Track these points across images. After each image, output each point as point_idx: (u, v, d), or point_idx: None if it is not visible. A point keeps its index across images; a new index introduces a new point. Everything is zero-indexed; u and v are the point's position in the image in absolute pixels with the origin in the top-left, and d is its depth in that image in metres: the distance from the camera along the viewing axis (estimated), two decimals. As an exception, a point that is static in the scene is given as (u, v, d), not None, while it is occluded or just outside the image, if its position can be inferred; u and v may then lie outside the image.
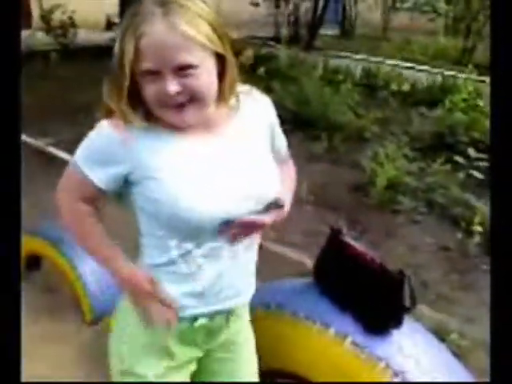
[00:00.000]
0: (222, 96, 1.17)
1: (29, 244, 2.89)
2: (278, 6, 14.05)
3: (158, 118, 1.14)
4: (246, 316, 1.43)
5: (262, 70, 8.19)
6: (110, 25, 14.01)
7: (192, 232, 1.16)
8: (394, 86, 7.83)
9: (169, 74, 1.05)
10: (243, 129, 1.24)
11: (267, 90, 5.44)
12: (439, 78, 7.77)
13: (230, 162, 1.19)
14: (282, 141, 1.39)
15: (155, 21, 1.04)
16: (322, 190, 4.34)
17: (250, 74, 8.18)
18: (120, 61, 1.07)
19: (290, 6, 13.63)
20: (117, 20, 10.92)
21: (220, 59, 1.13)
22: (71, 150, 4.46)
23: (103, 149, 1.16)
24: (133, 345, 1.29)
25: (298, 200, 3.91)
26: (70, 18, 10.21)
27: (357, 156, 4.97)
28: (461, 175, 4.33)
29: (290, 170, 1.45)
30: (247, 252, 1.27)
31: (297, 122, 5.70)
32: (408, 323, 1.54)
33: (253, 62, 9.29)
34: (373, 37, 14.36)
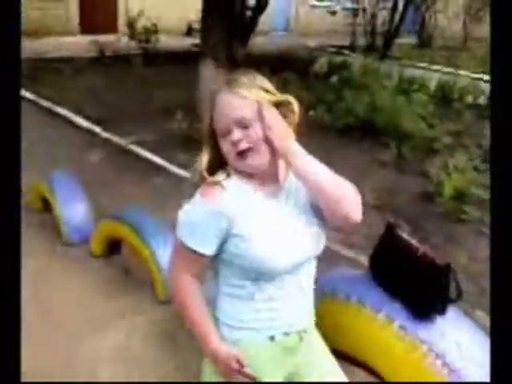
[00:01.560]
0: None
1: (111, 229, 3.20)
2: (355, 15, 14.11)
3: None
4: (314, 333, 1.59)
5: (334, 79, 8.32)
6: (190, 31, 14.59)
7: (267, 276, 1.39)
8: (469, 99, 7.73)
9: (233, 128, 1.34)
10: (296, 185, 1.44)
11: (338, 98, 5.63)
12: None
13: (295, 215, 1.42)
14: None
15: (222, 94, 1.36)
16: (387, 196, 4.42)
17: (323, 82, 8.32)
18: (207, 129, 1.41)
19: (368, 16, 13.64)
20: (197, 26, 11.35)
21: None
22: (152, 149, 4.89)
23: (203, 223, 1.36)
24: None
25: (363, 205, 4.04)
26: (154, 24, 10.75)
27: (425, 166, 5.00)
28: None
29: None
30: (308, 280, 1.48)
31: (367, 130, 5.80)
32: (453, 313, 1.66)
33: (327, 70, 9.45)
34: (452, 47, 14.09)
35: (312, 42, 14.57)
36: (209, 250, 1.37)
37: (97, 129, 5.87)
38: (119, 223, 3.09)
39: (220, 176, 1.39)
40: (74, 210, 3.46)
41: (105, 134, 5.67)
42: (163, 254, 2.87)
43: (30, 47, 11.08)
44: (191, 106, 6.30)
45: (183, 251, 1.39)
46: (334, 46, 13.64)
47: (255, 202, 1.38)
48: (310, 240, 1.41)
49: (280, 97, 1.39)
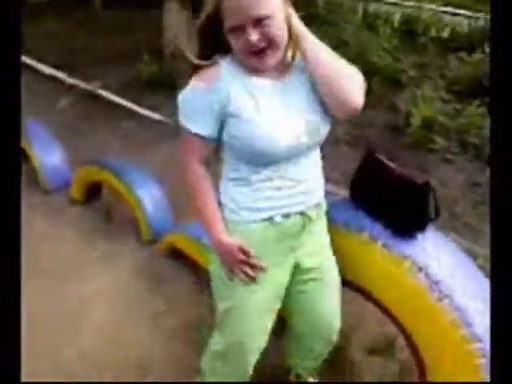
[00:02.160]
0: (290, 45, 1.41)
1: (90, 174, 3.21)
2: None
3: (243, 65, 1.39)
4: (322, 221, 1.69)
5: (299, 15, 8.20)
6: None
7: (263, 159, 1.42)
8: (433, 32, 7.76)
9: (249, 27, 1.28)
10: (303, 78, 1.46)
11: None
12: (481, 23, 7.64)
13: (293, 103, 1.43)
14: None
15: None
16: (358, 130, 4.51)
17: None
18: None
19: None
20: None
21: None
22: (120, 94, 4.84)
23: (199, 103, 1.38)
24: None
25: (334, 140, 4.13)
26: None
27: (393, 98, 5.08)
28: (495, 117, 4.42)
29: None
30: (310, 158, 1.52)
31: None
32: (432, 231, 1.77)
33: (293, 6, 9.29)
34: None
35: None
36: (208, 131, 1.40)
37: (61, 75, 5.72)
38: (100, 168, 3.10)
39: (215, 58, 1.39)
40: (50, 157, 3.45)
41: (71, 80, 5.53)
42: (145, 195, 2.92)
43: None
44: (156, 49, 6.18)
45: (186, 136, 1.43)
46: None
47: (252, 85, 1.38)
48: (308, 126, 1.42)
49: None
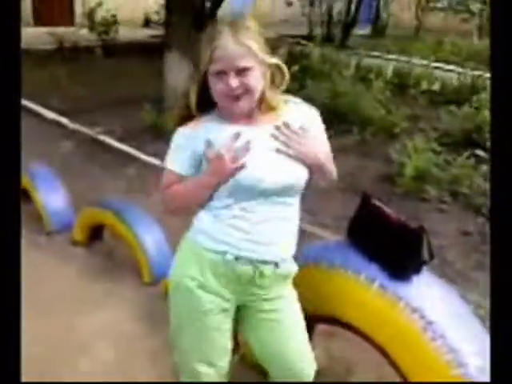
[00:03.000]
0: (266, 98, 1.57)
1: (92, 215, 3.30)
2: (311, 5, 14.34)
3: (220, 112, 1.59)
4: (283, 289, 1.74)
5: (295, 68, 8.52)
6: (147, 22, 14.51)
7: (226, 192, 1.57)
8: (424, 85, 8.07)
9: (231, 74, 1.48)
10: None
11: (300, 87, 5.88)
12: (469, 79, 7.97)
13: (265, 147, 1.57)
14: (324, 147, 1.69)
15: (225, 37, 1.46)
16: (352, 179, 4.65)
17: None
18: (198, 66, 1.54)
19: (324, 6, 13.90)
20: (155, 17, 11.35)
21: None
22: (121, 140, 4.98)
23: (181, 146, 1.60)
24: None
25: (329, 188, 4.25)
26: (114, 15, 10.69)
27: (386, 149, 5.26)
28: (484, 168, 4.59)
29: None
30: (277, 209, 1.61)
31: (329, 117, 6.02)
32: (426, 273, 1.87)
33: (286, 59, 9.63)
34: (405, 37, 14.52)
35: (270, 33, 14.72)
36: (184, 169, 1.60)
37: (64, 120, 5.88)
38: (102, 209, 3.19)
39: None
40: (54, 199, 3.54)
41: (73, 125, 5.69)
42: (147, 237, 3.01)
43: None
44: (157, 96, 6.38)
45: (167, 174, 1.64)
46: (291, 36, 13.84)
47: (227, 132, 1.55)
48: (284, 170, 1.56)
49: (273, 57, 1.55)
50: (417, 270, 1.82)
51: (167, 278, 2.80)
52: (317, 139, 1.65)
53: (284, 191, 1.59)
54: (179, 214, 1.71)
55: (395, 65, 9.09)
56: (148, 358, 2.50)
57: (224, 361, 1.74)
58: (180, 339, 1.73)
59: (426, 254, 1.82)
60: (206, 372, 1.72)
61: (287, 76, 1.60)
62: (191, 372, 1.74)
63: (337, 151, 5.39)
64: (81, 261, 3.26)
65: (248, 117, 1.58)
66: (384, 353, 1.84)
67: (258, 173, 1.54)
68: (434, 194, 4.32)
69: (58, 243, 3.45)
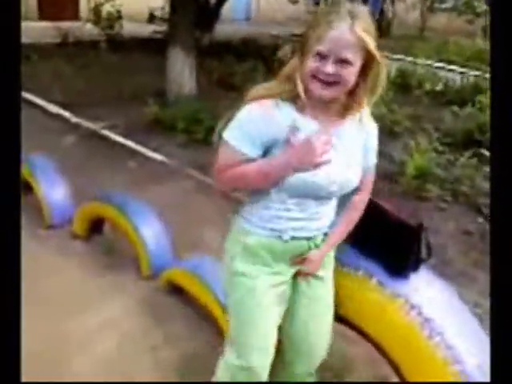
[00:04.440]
0: (358, 99, 1.55)
1: (93, 209, 3.30)
2: (317, 4, 14.32)
3: (295, 99, 1.52)
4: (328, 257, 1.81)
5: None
6: (152, 18, 14.48)
7: (292, 192, 1.58)
8: (427, 86, 8.06)
9: (332, 60, 1.42)
10: (353, 135, 1.63)
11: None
12: (472, 79, 7.97)
13: (335, 151, 1.56)
14: (370, 164, 1.76)
15: (344, 23, 1.41)
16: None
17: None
18: (308, 40, 1.46)
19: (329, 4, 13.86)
20: (159, 13, 11.34)
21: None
22: (124, 134, 4.99)
23: (254, 125, 1.52)
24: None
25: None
26: (118, 11, 10.69)
27: (387, 148, 5.26)
28: (486, 168, 4.59)
29: (362, 201, 1.80)
30: (332, 201, 1.70)
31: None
32: (425, 271, 1.87)
33: (291, 58, 9.61)
34: (410, 37, 14.50)
35: (274, 31, 14.72)
36: (254, 152, 1.53)
37: (67, 114, 5.88)
38: (102, 203, 3.20)
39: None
40: (55, 193, 3.54)
41: (75, 119, 5.69)
42: (146, 231, 3.01)
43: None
44: (160, 91, 6.40)
45: (229, 152, 1.55)
46: (295, 35, 13.82)
47: (303, 124, 1.52)
48: (342, 177, 1.59)
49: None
50: (415, 268, 1.82)
51: (167, 271, 2.86)
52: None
53: (344, 192, 1.67)
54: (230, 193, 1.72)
55: (400, 65, 9.07)
56: (148, 353, 2.50)
57: (273, 345, 1.76)
58: (244, 331, 1.74)
59: (424, 252, 1.82)
60: (256, 359, 1.73)
61: (382, 85, 1.54)
62: (240, 362, 1.75)
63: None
64: (80, 255, 3.26)
65: (325, 111, 1.55)
66: (381, 349, 1.85)
67: (330, 175, 1.55)
68: (435, 193, 4.32)
69: (58, 236, 3.45)
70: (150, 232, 3.02)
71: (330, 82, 1.45)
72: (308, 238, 1.69)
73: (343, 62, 1.43)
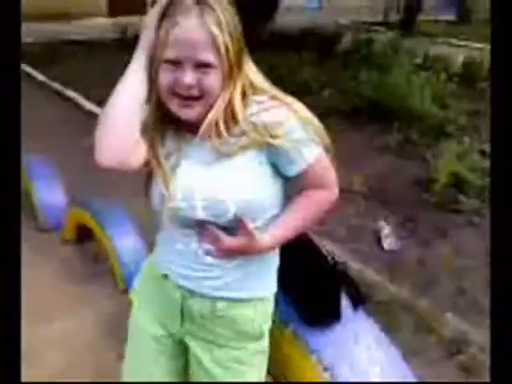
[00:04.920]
0: (234, 110, 1.19)
1: (76, 216, 3.20)
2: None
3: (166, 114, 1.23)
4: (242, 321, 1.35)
5: (356, 56, 8.08)
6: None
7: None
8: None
9: (188, 67, 1.12)
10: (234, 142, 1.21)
11: (354, 78, 5.43)
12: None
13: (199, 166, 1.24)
14: (295, 161, 1.23)
15: (190, 16, 1.11)
16: (380, 183, 4.24)
17: (342, 61, 8.09)
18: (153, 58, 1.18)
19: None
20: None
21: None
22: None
23: None
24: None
25: (348, 191, 3.90)
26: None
27: (429, 150, 4.77)
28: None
29: (320, 198, 1.31)
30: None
31: (375, 112, 5.58)
32: (358, 320, 1.55)
33: (351, 47, 9.15)
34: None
35: (344, 19, 14.18)
36: None
37: (99, 111, 5.90)
38: (82, 210, 3.08)
39: None
40: (50, 197, 3.48)
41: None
42: (122, 243, 2.86)
43: (54, 29, 11.28)
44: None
45: None
46: (366, 23, 13.22)
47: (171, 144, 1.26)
48: (211, 202, 1.21)
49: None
50: (334, 316, 1.50)
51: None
52: None
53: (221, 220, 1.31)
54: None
55: (468, 53, 8.33)
56: (96, 372, 2.36)
57: None
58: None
59: (348, 299, 1.50)
60: None
61: (259, 89, 1.23)
62: None
63: (373, 151, 5.02)
64: (65, 260, 3.19)
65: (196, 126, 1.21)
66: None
67: (178, 207, 1.28)
68: (469, 205, 3.83)
69: (49, 240, 3.39)
70: (126, 244, 2.86)
71: (192, 97, 1.15)
72: (183, 292, 1.33)
73: (202, 66, 1.13)
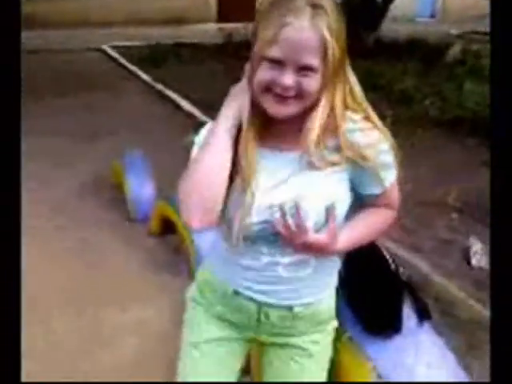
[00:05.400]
0: (335, 118, 1.19)
1: (161, 209, 3.32)
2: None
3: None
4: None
5: (463, 68, 7.72)
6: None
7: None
8: None
9: (290, 69, 1.11)
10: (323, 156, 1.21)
11: (458, 89, 5.20)
12: None
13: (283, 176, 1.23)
14: (376, 184, 1.26)
15: (303, 17, 1.09)
16: (476, 198, 3.99)
17: (448, 71, 7.76)
18: (257, 40, 1.15)
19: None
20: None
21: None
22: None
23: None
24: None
25: (443, 206, 3.71)
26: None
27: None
28: None
29: (385, 217, 1.34)
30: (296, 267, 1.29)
31: (477, 125, 5.28)
32: (422, 334, 1.46)
33: (459, 58, 8.76)
34: None
35: (457, 29, 13.58)
36: None
37: (197, 112, 6.09)
38: (168, 205, 3.19)
39: None
40: (140, 190, 3.64)
41: (204, 118, 5.83)
42: (201, 241, 2.91)
43: (166, 34, 11.84)
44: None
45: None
46: (479, 33, 12.56)
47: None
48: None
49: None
50: (395, 327, 1.43)
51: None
52: None
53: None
54: None
55: None
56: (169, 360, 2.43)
57: None
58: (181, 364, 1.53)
59: (410, 312, 1.42)
60: None
61: (359, 99, 1.22)
62: None
63: (472, 164, 4.71)
64: (147, 251, 3.32)
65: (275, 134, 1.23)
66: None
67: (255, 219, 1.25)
68: None
69: (136, 231, 3.55)
70: (204, 239, 2.90)
71: (289, 97, 1.14)
72: (258, 304, 1.34)
73: (305, 69, 1.11)
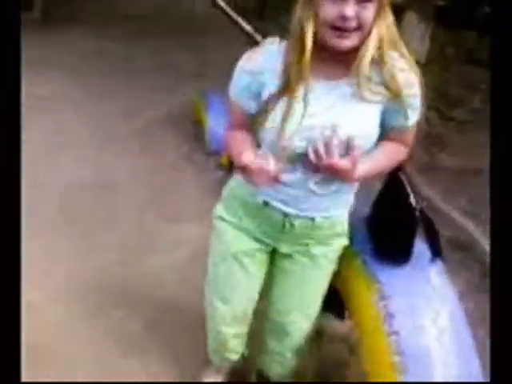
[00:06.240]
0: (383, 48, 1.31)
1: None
2: None
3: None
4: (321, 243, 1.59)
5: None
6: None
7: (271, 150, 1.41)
8: None
9: (351, 1, 1.22)
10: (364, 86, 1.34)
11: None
12: None
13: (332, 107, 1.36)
14: (401, 121, 1.42)
15: None
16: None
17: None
18: None
19: None
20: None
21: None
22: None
23: (238, 81, 1.45)
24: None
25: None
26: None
27: None
28: None
29: (400, 153, 1.51)
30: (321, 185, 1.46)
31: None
32: (434, 273, 1.60)
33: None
34: None
35: None
36: (249, 105, 1.44)
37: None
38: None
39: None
40: (217, 126, 3.88)
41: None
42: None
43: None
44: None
45: (232, 109, 1.51)
46: None
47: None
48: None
49: None
50: (405, 255, 1.58)
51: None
52: None
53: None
54: None
55: None
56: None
57: (242, 303, 1.75)
58: (210, 275, 1.77)
59: (425, 246, 1.57)
60: (220, 307, 1.76)
61: (395, 37, 1.34)
62: (210, 304, 1.81)
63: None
64: (212, 182, 3.57)
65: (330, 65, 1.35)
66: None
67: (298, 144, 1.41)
68: None
69: (208, 163, 3.84)
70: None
71: (349, 29, 1.25)
72: (285, 214, 1.53)
73: (363, 1, 1.23)
